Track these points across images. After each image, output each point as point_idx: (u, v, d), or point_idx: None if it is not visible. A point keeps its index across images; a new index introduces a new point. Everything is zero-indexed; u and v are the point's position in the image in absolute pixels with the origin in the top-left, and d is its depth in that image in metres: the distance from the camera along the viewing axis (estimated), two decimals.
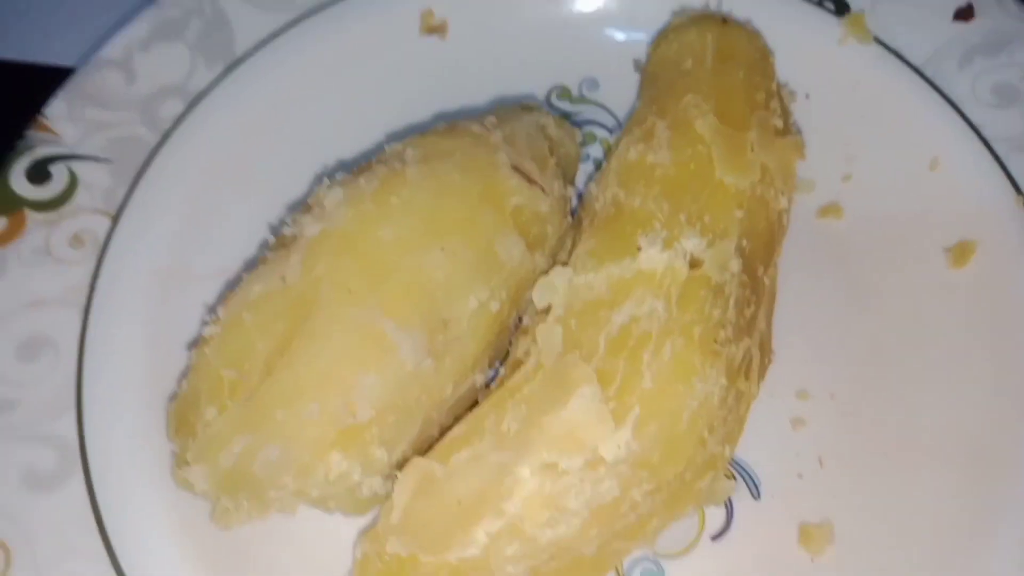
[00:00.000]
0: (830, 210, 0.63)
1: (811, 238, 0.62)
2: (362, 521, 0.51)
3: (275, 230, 0.57)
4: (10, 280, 0.56)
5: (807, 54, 0.65)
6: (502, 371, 0.52)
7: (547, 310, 0.48)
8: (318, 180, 0.51)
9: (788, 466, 0.55)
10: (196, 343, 0.48)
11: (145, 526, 0.49)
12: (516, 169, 0.53)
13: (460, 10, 0.68)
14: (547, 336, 0.46)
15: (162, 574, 0.48)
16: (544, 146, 0.57)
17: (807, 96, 0.65)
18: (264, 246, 0.52)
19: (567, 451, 0.43)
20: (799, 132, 0.61)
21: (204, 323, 0.48)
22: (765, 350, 0.52)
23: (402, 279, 0.47)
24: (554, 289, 0.48)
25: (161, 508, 0.50)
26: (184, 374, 0.48)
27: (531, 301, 0.51)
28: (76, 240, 0.58)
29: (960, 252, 0.59)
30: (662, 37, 0.62)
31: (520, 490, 0.43)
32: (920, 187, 0.62)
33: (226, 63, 0.64)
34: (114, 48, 0.64)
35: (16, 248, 0.57)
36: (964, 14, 0.65)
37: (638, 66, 0.66)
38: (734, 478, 0.54)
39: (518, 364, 0.48)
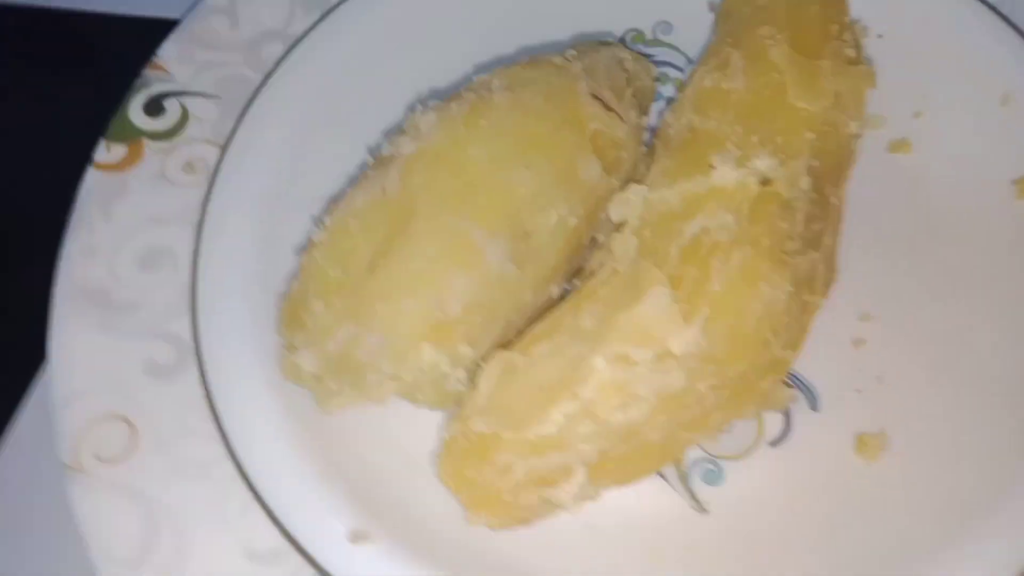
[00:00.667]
0: (900, 145, 0.65)
1: (881, 172, 0.63)
2: (444, 415, 0.55)
3: (373, 152, 0.62)
4: (131, 200, 0.62)
5: None
6: (577, 285, 0.56)
7: (622, 225, 0.52)
8: (412, 109, 0.56)
9: (847, 382, 0.57)
10: (304, 249, 0.53)
11: (253, 413, 0.54)
12: (595, 96, 0.56)
13: None
14: (622, 245, 0.50)
15: (267, 454, 0.53)
16: (622, 77, 0.61)
17: (880, 36, 0.67)
18: (364, 166, 0.57)
19: (639, 344, 0.46)
20: (871, 64, 0.62)
21: (310, 233, 0.53)
22: (831, 266, 0.54)
23: (490, 192, 0.51)
24: (629, 204, 0.52)
25: (267, 398, 0.55)
26: (293, 276, 0.53)
27: (606, 220, 0.55)
28: (189, 166, 0.63)
29: None
30: None
31: (594, 377, 0.46)
32: (990, 122, 0.63)
33: (322, 10, 0.69)
34: None
35: (136, 172, 0.63)
36: None
37: (713, 6, 0.69)
38: (794, 389, 0.57)
39: (592, 275, 0.52)
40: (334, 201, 0.54)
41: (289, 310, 0.51)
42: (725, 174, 0.50)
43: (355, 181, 0.55)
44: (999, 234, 0.60)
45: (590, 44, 0.64)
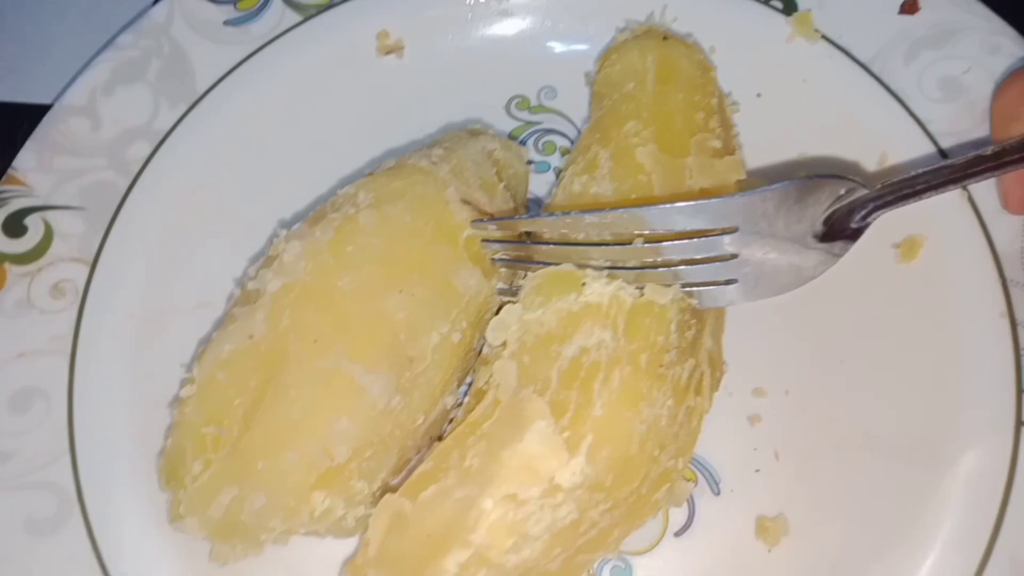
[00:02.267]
0: None
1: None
2: (353, 541, 0.54)
3: (239, 281, 0.60)
4: None
5: (756, 53, 0.67)
6: (468, 396, 0.55)
7: (503, 345, 0.51)
8: (275, 236, 0.54)
9: (746, 462, 0.58)
10: (175, 402, 0.51)
11: (144, 562, 0.53)
12: (466, 202, 0.55)
13: (414, 30, 0.70)
14: (502, 372, 0.49)
15: None
16: (492, 172, 0.59)
17: (758, 95, 0.67)
18: (229, 298, 0.55)
19: (526, 482, 0.46)
20: (740, 147, 0.63)
21: (181, 381, 0.51)
22: (716, 364, 0.55)
23: (365, 325, 0.49)
24: (506, 327, 0.51)
25: (158, 544, 0.53)
26: (168, 430, 0.51)
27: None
28: (56, 290, 0.60)
29: (908, 248, 0.61)
30: (607, 56, 0.64)
31: (484, 521, 0.46)
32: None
33: (188, 101, 0.66)
34: (77, 94, 0.66)
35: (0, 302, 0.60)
36: (909, 7, 0.66)
37: (588, 79, 0.68)
38: (695, 477, 0.57)
39: (481, 394, 0.51)
40: (201, 345, 0.52)
41: (168, 469, 0.49)
42: (598, 290, 0.50)
43: (219, 322, 0.52)
44: (884, 298, 0.61)
45: (457, 136, 0.62)
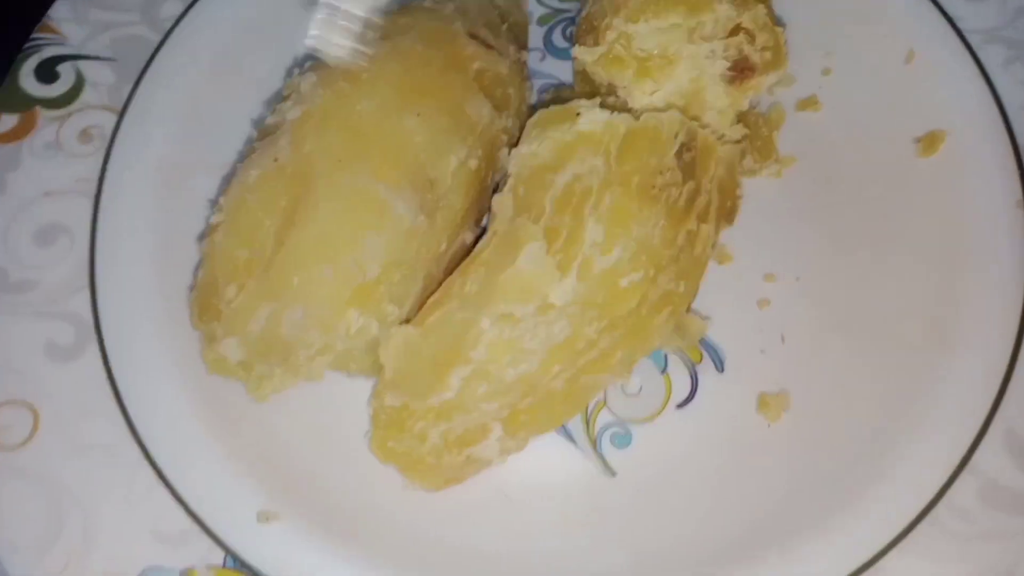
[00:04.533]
0: (809, 103, 0.65)
1: (790, 131, 0.64)
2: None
3: (256, 124, 0.61)
4: (25, 172, 0.60)
5: None
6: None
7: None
8: (289, 74, 0.54)
9: (752, 343, 0.58)
10: (204, 235, 0.51)
11: (156, 393, 0.54)
12: (472, 36, 0.56)
13: None
14: (500, 204, 0.51)
15: (172, 435, 0.53)
16: (495, 14, 0.61)
17: None
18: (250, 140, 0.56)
19: (520, 300, 0.48)
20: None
21: (208, 216, 0.52)
22: (727, 192, 0.54)
23: (386, 145, 0.50)
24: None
25: (171, 377, 0.55)
26: (197, 266, 0.52)
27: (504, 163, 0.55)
28: (84, 135, 0.61)
29: (929, 142, 0.61)
30: None
31: (483, 338, 0.48)
32: (895, 80, 0.64)
33: None
34: None
35: (29, 143, 0.61)
36: None
37: None
38: (701, 356, 0.58)
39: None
40: (227, 180, 0.53)
41: (200, 300, 0.50)
42: (592, 118, 0.51)
43: (243, 156, 0.53)
44: (900, 191, 0.61)
45: None
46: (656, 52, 0.54)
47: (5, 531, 0.50)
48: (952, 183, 0.60)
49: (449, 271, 0.53)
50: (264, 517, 0.51)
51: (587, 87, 0.58)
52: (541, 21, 0.70)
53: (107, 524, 0.50)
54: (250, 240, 0.48)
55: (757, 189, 0.61)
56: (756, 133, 0.61)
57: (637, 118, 0.50)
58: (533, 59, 0.68)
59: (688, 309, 0.54)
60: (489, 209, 0.56)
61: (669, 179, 0.49)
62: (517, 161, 0.51)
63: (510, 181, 0.51)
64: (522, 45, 0.63)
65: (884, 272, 0.59)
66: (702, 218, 0.51)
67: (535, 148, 0.51)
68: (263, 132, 0.52)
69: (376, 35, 0.53)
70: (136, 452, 0.52)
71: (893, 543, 0.49)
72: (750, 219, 0.59)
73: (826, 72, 0.66)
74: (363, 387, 0.55)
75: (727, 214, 0.54)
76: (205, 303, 0.49)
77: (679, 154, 0.50)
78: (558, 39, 0.69)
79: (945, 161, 0.61)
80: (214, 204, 0.52)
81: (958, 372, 0.55)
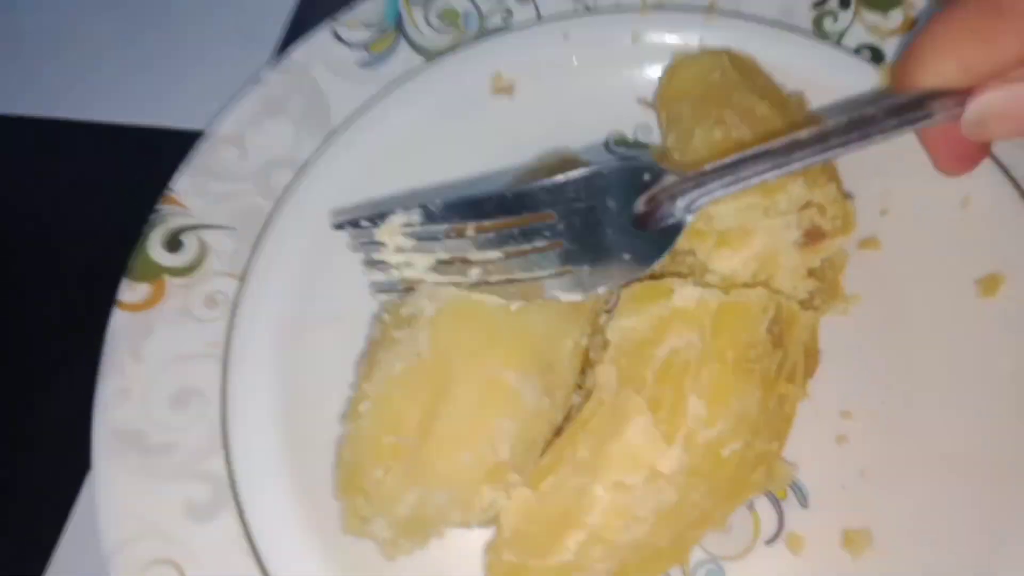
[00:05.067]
0: (869, 243, 0.70)
1: (852, 269, 0.68)
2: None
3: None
4: (158, 338, 0.66)
5: (846, 100, 0.72)
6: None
7: (603, 349, 0.57)
8: None
9: (833, 478, 0.62)
10: (345, 415, 0.57)
11: (292, 546, 0.59)
12: None
13: (524, 72, 0.77)
14: (604, 375, 0.55)
15: None
16: None
17: None
18: (381, 310, 0.62)
19: (630, 470, 0.52)
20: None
21: (347, 398, 0.59)
22: (810, 354, 0.59)
23: (513, 336, 0.56)
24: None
25: (305, 534, 0.59)
26: (339, 441, 0.57)
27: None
28: (210, 300, 0.67)
29: (989, 283, 0.66)
30: (677, 65, 0.72)
31: (597, 505, 0.52)
32: (952, 223, 0.68)
33: (325, 133, 0.73)
34: (227, 125, 0.74)
35: (160, 310, 0.67)
36: None
37: (650, 101, 0.75)
38: (786, 493, 0.62)
39: (587, 394, 0.57)
40: (362, 361, 0.58)
41: (346, 478, 0.55)
42: (685, 295, 0.55)
43: (376, 340, 0.58)
44: (964, 331, 0.65)
45: (551, 159, 0.70)
46: (734, 226, 0.59)
47: None
48: (1014, 323, 0.64)
49: (557, 431, 0.58)
50: None
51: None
52: None
53: None
54: (396, 429, 0.54)
55: (826, 328, 0.65)
56: (822, 276, 0.66)
57: (727, 292, 0.55)
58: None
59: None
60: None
61: (761, 352, 0.54)
62: (618, 334, 0.56)
63: (611, 352, 0.56)
64: None
65: (954, 408, 0.63)
66: (790, 380, 0.56)
67: (634, 322, 0.56)
68: (397, 320, 0.57)
69: None
70: None
71: None
72: (823, 358, 0.64)
73: (884, 212, 0.71)
74: (478, 535, 0.59)
75: (810, 370, 0.59)
76: (350, 480, 0.54)
77: (769, 328, 0.55)
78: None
79: (1006, 302, 0.65)
80: (355, 389, 0.57)
81: None
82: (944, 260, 0.68)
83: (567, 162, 0.70)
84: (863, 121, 0.50)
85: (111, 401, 0.63)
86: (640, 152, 0.76)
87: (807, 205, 0.60)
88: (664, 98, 0.72)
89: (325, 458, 0.61)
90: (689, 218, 0.53)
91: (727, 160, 0.52)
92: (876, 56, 0.73)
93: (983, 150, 0.59)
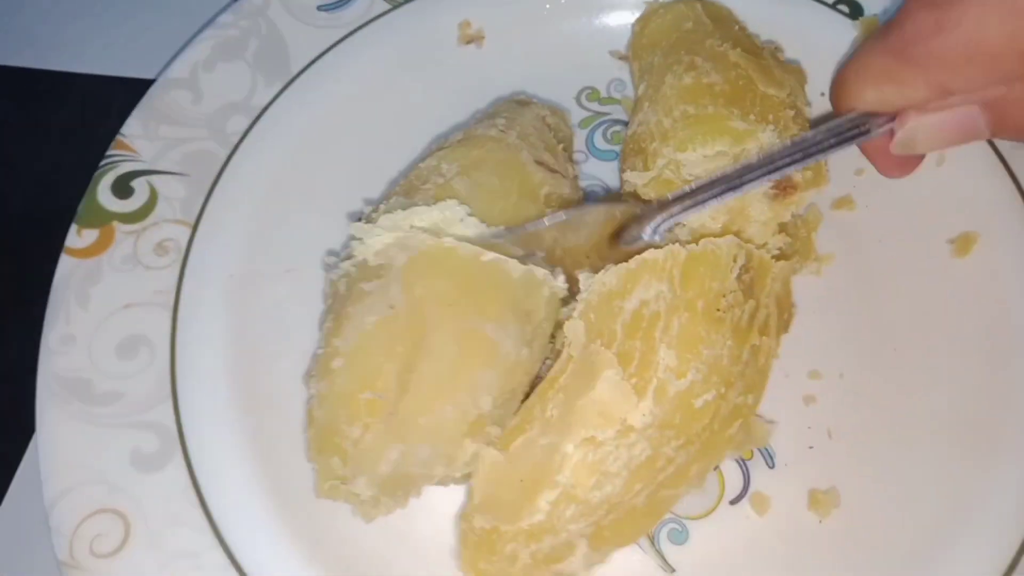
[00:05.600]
0: (844, 202, 0.68)
1: (826, 229, 0.67)
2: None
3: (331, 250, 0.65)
4: (106, 285, 0.63)
5: (823, 55, 0.70)
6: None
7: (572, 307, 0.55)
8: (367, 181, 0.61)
9: (800, 439, 0.61)
10: (311, 372, 0.54)
11: (241, 499, 0.57)
12: (538, 162, 0.60)
13: (495, 21, 0.74)
14: (572, 331, 0.53)
15: (256, 540, 0.56)
16: (550, 135, 0.65)
17: (822, 94, 0.70)
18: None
19: (601, 425, 0.50)
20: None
21: (299, 347, 0.58)
22: (783, 306, 0.57)
23: (489, 284, 0.53)
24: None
25: (253, 483, 0.57)
26: (308, 401, 0.54)
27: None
28: (160, 248, 0.65)
29: (963, 243, 0.64)
30: (649, 14, 0.70)
31: (568, 463, 0.50)
32: (927, 182, 0.66)
33: (283, 79, 0.71)
34: (180, 68, 0.71)
35: (109, 257, 0.64)
36: None
37: (623, 54, 0.73)
38: (752, 454, 0.60)
39: (558, 353, 0.55)
40: (327, 316, 0.55)
41: (320, 439, 0.52)
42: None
43: (341, 294, 0.55)
44: (938, 289, 0.64)
45: (509, 105, 0.67)
46: (703, 176, 0.58)
47: None
48: (988, 283, 0.63)
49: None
50: None
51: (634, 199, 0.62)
52: (583, 124, 0.73)
53: None
54: (372, 383, 0.51)
55: (798, 287, 0.64)
56: (795, 234, 0.65)
57: (696, 242, 0.53)
58: (577, 159, 0.72)
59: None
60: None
61: (732, 301, 0.52)
62: (587, 288, 0.54)
63: (580, 307, 0.54)
64: (570, 158, 0.67)
65: (925, 369, 0.62)
66: (763, 332, 0.54)
67: (602, 276, 0.54)
68: (366, 272, 0.54)
69: (452, 168, 0.57)
70: (223, 558, 0.55)
71: None
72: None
73: (859, 172, 0.69)
74: (450, 496, 0.58)
75: (784, 324, 0.57)
76: (325, 441, 0.52)
77: (739, 276, 0.53)
78: (600, 141, 0.73)
79: (979, 262, 0.64)
80: (324, 344, 0.54)
81: (1007, 470, 0.57)
82: (918, 220, 0.67)
83: (524, 104, 0.68)
84: (806, 142, 0.56)
85: (56, 348, 0.61)
86: (612, 107, 0.74)
87: None
88: (636, 48, 0.70)
89: (276, 410, 0.60)
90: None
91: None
92: (855, 11, 0.71)
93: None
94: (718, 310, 0.52)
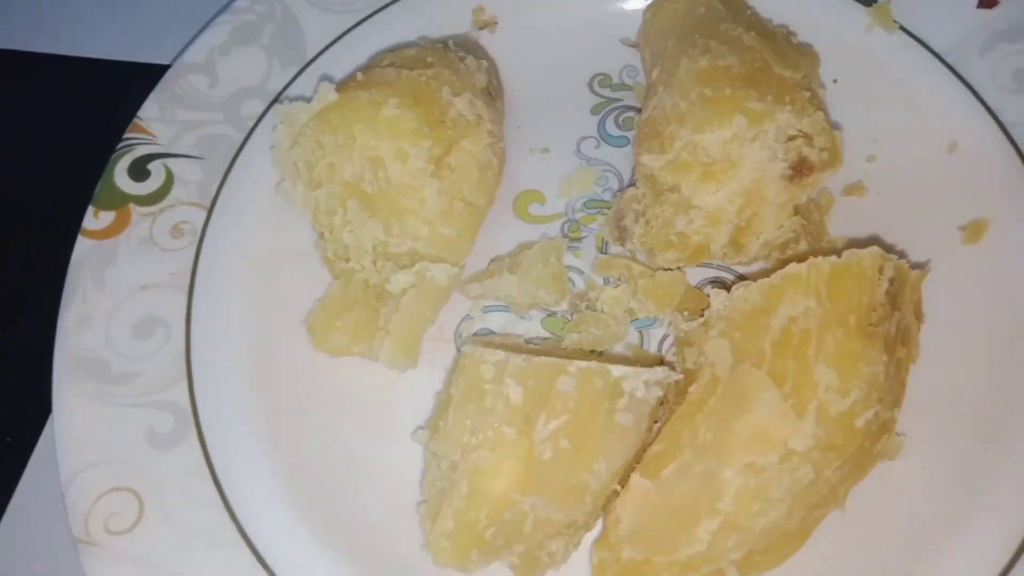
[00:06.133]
0: (855, 189, 0.68)
1: (837, 216, 0.67)
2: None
3: None
4: (121, 267, 0.64)
5: (836, 41, 0.70)
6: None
7: (705, 325, 0.55)
8: None
9: None
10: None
11: (254, 478, 0.57)
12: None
13: (508, 7, 0.74)
14: (716, 351, 0.52)
15: (269, 518, 0.56)
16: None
17: (835, 81, 0.70)
18: None
19: (762, 450, 0.49)
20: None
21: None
22: (919, 315, 0.57)
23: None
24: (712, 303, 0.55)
25: (267, 463, 0.58)
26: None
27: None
28: (176, 230, 0.65)
29: (974, 230, 0.64)
30: (662, 0, 0.69)
31: (728, 490, 0.49)
32: (939, 169, 0.67)
33: (299, 64, 0.71)
34: (197, 52, 0.71)
35: (125, 238, 0.65)
36: (988, 1, 0.69)
37: (634, 41, 0.73)
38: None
39: (692, 375, 0.54)
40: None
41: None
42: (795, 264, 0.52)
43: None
44: (947, 276, 0.64)
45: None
46: (720, 157, 0.58)
47: None
48: (997, 271, 0.63)
49: None
50: None
51: (650, 185, 0.62)
52: (595, 110, 0.73)
53: None
54: None
55: None
56: (808, 217, 0.65)
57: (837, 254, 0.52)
58: (588, 146, 0.72)
59: None
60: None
61: (882, 314, 0.51)
62: (726, 305, 0.54)
63: (720, 325, 0.53)
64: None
65: (936, 354, 0.61)
66: (904, 342, 0.53)
67: (743, 292, 0.53)
68: None
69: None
70: (235, 535, 0.56)
71: None
72: None
73: (870, 159, 0.69)
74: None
75: (917, 339, 0.56)
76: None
77: (886, 289, 0.52)
78: (612, 127, 0.73)
79: (989, 249, 0.64)
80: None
81: (1013, 456, 0.57)
82: (930, 206, 0.66)
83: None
84: None
85: (72, 328, 0.62)
86: (624, 94, 0.74)
87: (794, 138, 0.58)
88: (648, 34, 0.70)
89: (289, 390, 0.61)
90: None
91: None
92: None
93: None
94: (871, 324, 0.50)
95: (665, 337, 0.64)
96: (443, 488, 0.50)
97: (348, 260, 0.61)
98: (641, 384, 0.51)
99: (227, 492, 0.57)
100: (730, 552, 0.50)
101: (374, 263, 0.60)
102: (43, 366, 0.61)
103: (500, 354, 0.51)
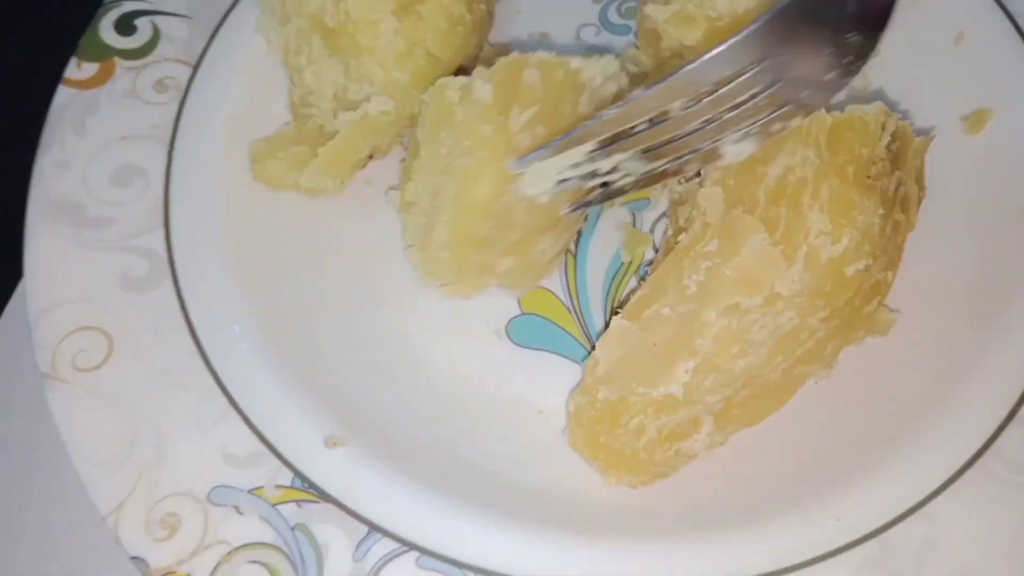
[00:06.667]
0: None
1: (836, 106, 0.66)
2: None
3: None
4: (103, 116, 0.62)
5: None
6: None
7: (700, 180, 0.54)
8: None
9: None
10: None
11: (227, 325, 0.56)
12: None
13: None
14: (710, 198, 0.51)
15: (242, 364, 0.55)
16: None
17: None
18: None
19: (747, 292, 0.48)
20: None
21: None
22: (921, 184, 0.56)
23: None
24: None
25: (241, 310, 0.57)
26: None
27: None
28: (160, 85, 0.64)
29: (976, 120, 0.63)
30: None
31: (709, 330, 0.48)
32: (944, 59, 0.65)
33: None
34: None
35: (107, 90, 0.63)
36: None
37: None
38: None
39: (681, 231, 0.53)
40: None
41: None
42: None
43: None
44: (948, 166, 0.62)
45: None
46: (726, 12, 0.56)
47: (81, 447, 0.52)
48: (998, 160, 0.61)
49: None
50: (331, 443, 0.52)
51: (651, 49, 0.60)
52: None
53: (179, 444, 0.52)
54: None
55: None
56: None
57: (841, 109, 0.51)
58: (588, 33, 0.70)
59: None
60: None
61: (881, 169, 0.50)
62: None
63: (715, 174, 0.52)
64: None
65: (931, 241, 0.60)
66: (903, 207, 0.52)
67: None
68: None
69: None
70: (208, 379, 0.54)
71: (943, 487, 0.51)
72: None
73: (875, 53, 0.67)
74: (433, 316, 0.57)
75: (917, 205, 0.55)
76: None
77: (888, 145, 0.51)
78: (614, 15, 0.71)
79: (991, 139, 0.62)
80: None
81: (1008, 328, 0.56)
82: (933, 97, 0.65)
83: None
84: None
85: (49, 173, 0.60)
86: None
87: None
88: None
89: (266, 242, 0.60)
90: None
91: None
92: None
93: None
94: (869, 177, 0.49)
95: (659, 219, 0.62)
96: (429, 220, 0.49)
97: (311, 107, 0.60)
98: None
99: (200, 336, 0.55)
100: (707, 394, 0.49)
101: (333, 113, 0.59)
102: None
103: (463, 79, 0.51)
